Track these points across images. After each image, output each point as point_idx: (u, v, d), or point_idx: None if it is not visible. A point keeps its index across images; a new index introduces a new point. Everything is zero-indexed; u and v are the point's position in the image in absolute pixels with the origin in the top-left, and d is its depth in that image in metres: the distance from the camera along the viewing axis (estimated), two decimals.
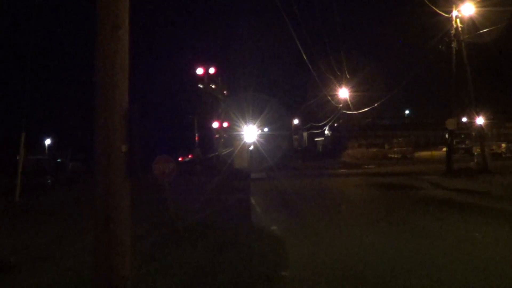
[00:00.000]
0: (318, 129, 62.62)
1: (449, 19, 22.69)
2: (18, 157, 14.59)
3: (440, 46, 22.98)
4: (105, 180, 3.48)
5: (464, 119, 36.59)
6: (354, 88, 42.15)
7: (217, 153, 33.47)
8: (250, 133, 40.17)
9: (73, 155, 41.36)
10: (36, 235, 8.74)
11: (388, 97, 31.07)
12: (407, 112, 72.51)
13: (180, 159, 39.17)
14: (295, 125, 69.36)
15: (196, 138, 32.04)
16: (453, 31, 22.54)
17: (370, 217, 10.76)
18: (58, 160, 42.51)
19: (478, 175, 20.78)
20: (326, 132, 62.20)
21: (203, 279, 5.71)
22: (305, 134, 67.98)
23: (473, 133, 40.57)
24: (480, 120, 27.14)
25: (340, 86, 41.46)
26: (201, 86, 26.67)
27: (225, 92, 32.78)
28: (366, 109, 37.13)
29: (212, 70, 25.79)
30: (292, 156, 50.87)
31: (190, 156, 38.08)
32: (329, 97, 42.16)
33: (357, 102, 41.12)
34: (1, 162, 25.88)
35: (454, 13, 22.53)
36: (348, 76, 39.98)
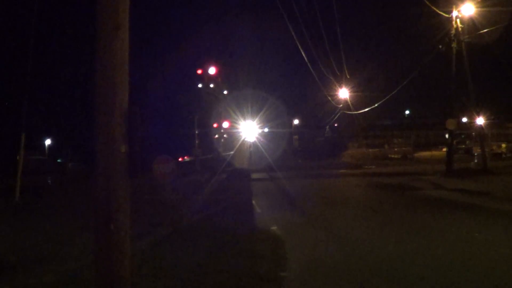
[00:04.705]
0: (318, 129, 62.59)
1: (449, 20, 22.69)
2: (18, 157, 14.59)
3: (440, 47, 22.99)
4: (105, 180, 3.47)
5: (464, 119, 36.64)
6: (354, 88, 42.11)
7: (217, 153, 33.49)
8: (250, 133, 40.14)
9: (73, 155, 41.33)
10: (36, 235, 8.73)
11: (388, 97, 31.00)
12: (407, 112, 72.52)
13: (180, 159, 39.21)
14: (295, 124, 69.31)
15: (197, 138, 32.04)
16: (453, 32, 22.54)
17: (370, 218, 10.76)
18: (58, 160, 42.47)
19: (478, 175, 20.79)
20: (326, 132, 62.20)
21: (203, 279, 5.71)
22: (305, 134, 67.92)
23: (473, 133, 40.60)
24: (480, 120, 27.18)
25: (340, 86, 41.43)
26: (201, 86, 26.70)
27: (225, 92, 32.80)
28: (366, 109, 37.10)
29: (212, 70, 25.80)
30: (292, 155, 50.81)
31: (190, 156, 38.10)
32: (329, 97, 42.13)
33: (357, 102, 41.09)
34: (1, 162, 25.87)
35: (454, 13, 22.53)
36: (348, 76, 39.97)
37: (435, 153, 42.98)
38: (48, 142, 48.29)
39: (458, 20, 22.54)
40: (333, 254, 7.09)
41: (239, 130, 38.16)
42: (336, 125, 59.24)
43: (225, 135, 39.56)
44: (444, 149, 29.11)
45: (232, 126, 36.60)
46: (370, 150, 49.77)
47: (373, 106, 34.80)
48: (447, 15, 22.61)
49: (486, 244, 7.49)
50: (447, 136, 24.66)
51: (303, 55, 22.97)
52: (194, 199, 14.17)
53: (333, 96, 42.87)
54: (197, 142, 31.84)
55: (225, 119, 31.17)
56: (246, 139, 38.95)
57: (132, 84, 3.69)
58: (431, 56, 24.49)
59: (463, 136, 48.14)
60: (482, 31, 21.47)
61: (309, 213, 11.88)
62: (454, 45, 22.48)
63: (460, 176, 20.70)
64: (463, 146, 44.44)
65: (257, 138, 44.72)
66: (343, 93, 42.55)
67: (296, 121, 68.29)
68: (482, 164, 23.28)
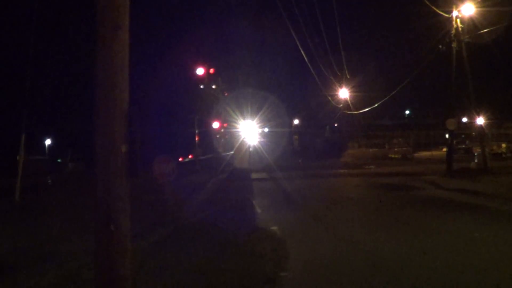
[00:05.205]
0: (318, 129, 62.64)
1: (449, 19, 22.68)
2: (18, 158, 14.60)
3: (440, 46, 22.97)
4: (105, 180, 3.47)
5: (465, 119, 36.64)
6: (355, 88, 42.13)
7: (217, 153, 33.50)
8: (250, 133, 40.16)
9: (73, 155, 41.36)
10: (36, 235, 8.73)
11: (388, 97, 31.00)
12: (407, 112, 72.59)
13: (180, 159, 39.20)
14: (295, 124, 69.38)
15: (197, 138, 32.04)
16: (453, 31, 22.52)
17: (370, 218, 10.76)
18: (58, 161, 42.53)
19: (478, 175, 20.76)
20: (326, 132, 62.23)
21: (203, 279, 5.71)
22: (305, 133, 68.00)
23: (473, 133, 40.62)
24: (480, 120, 27.17)
25: (340, 86, 41.43)
26: (201, 87, 26.71)
27: (225, 92, 32.82)
28: (366, 109, 37.11)
29: (212, 70, 25.81)
30: (292, 155, 50.85)
31: (190, 156, 38.10)
32: (329, 97, 42.14)
33: (357, 102, 41.12)
34: (1, 162, 25.91)
35: (454, 13, 22.51)
36: (348, 76, 39.97)
37: (435, 153, 43.04)
38: (48, 142, 48.32)
39: (458, 20, 22.53)
40: (334, 254, 7.09)
41: (239, 130, 38.18)
42: (336, 125, 59.31)
43: (225, 135, 39.53)
44: (444, 149, 29.13)
45: (232, 126, 36.66)
46: (370, 150, 49.82)
47: (373, 106, 34.83)
48: (447, 15, 22.59)
49: (486, 244, 7.49)
50: (447, 136, 24.65)
51: (303, 55, 22.95)
52: (194, 199, 14.18)
53: (333, 96, 42.90)
54: (197, 142, 31.85)
55: (225, 119, 31.22)
56: (246, 139, 38.95)
57: (132, 84, 3.69)
58: (431, 56, 24.49)
59: (463, 136, 48.20)
60: (482, 31, 21.47)
61: (310, 213, 11.88)
62: (454, 45, 22.45)
63: (460, 176, 20.68)
64: (463, 146, 44.50)
65: (257, 138, 44.75)
66: (343, 93, 42.55)
67: (296, 121, 68.36)
68: (482, 164, 23.26)
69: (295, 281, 5.86)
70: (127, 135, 3.54)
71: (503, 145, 41.09)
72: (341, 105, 44.04)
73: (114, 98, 3.51)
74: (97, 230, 3.50)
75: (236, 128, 37.66)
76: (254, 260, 6.54)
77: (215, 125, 28.37)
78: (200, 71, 25.05)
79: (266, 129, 53.63)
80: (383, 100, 32.23)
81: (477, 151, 28.10)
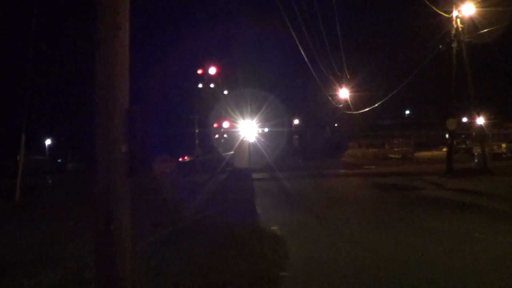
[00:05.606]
0: (319, 129, 62.64)
1: (450, 19, 22.68)
2: (18, 158, 14.62)
3: (440, 46, 22.97)
4: (105, 180, 3.47)
5: (465, 120, 36.63)
6: (355, 88, 42.03)
7: (217, 153, 33.50)
8: (250, 133, 40.14)
9: (73, 155, 41.40)
10: (36, 235, 8.74)
11: (388, 97, 30.98)
12: (407, 112, 72.62)
13: (180, 159, 39.24)
14: (296, 124, 69.35)
15: (196, 138, 32.04)
16: (453, 31, 22.52)
17: (371, 218, 10.75)
18: (58, 161, 42.60)
19: (479, 175, 20.78)
20: (327, 132, 62.23)
21: (203, 279, 5.70)
22: (305, 133, 67.99)
23: (474, 133, 40.64)
24: (480, 120, 27.17)
25: (340, 86, 41.36)
26: (201, 86, 26.71)
27: (225, 91, 32.82)
28: (366, 109, 37.07)
29: (212, 70, 25.80)
30: (292, 155, 50.87)
31: (190, 156, 38.10)
32: (329, 97, 42.08)
33: (357, 102, 41.04)
34: (1, 162, 25.93)
35: (455, 13, 22.51)
36: (348, 76, 39.89)
37: (435, 153, 43.09)
38: (48, 142, 48.32)
39: (458, 20, 22.53)
40: (334, 254, 7.09)
41: (239, 130, 38.15)
42: (336, 125, 59.31)
43: (225, 135, 39.51)
44: (444, 149, 29.13)
45: (232, 126, 36.62)
46: (370, 150, 49.87)
47: (373, 106, 34.79)
48: (447, 15, 22.59)
49: (486, 244, 7.49)
50: (447, 136, 24.66)
51: (303, 55, 22.89)
52: (194, 199, 14.18)
53: (334, 96, 42.82)
54: (197, 142, 31.85)
55: (225, 119, 31.20)
56: (246, 139, 38.96)
57: (132, 84, 3.69)
58: (432, 56, 24.47)
59: (463, 136, 48.24)
60: (482, 31, 21.47)
61: (310, 213, 11.88)
62: (454, 45, 22.45)
63: (461, 176, 20.69)
64: (463, 146, 44.51)
65: (257, 137, 44.69)
66: (343, 93, 42.48)
67: (296, 121, 68.30)
68: (482, 164, 23.27)
69: (295, 281, 5.86)
70: (127, 135, 3.54)
71: (503, 145, 41.09)
72: (341, 105, 43.97)
73: (114, 98, 3.51)
74: (97, 230, 3.49)
75: (236, 128, 37.63)
76: (254, 260, 6.53)
77: (215, 125, 28.38)
78: (200, 71, 25.04)
79: (266, 129, 53.55)
80: (383, 100, 32.23)
81: (477, 151, 28.11)
